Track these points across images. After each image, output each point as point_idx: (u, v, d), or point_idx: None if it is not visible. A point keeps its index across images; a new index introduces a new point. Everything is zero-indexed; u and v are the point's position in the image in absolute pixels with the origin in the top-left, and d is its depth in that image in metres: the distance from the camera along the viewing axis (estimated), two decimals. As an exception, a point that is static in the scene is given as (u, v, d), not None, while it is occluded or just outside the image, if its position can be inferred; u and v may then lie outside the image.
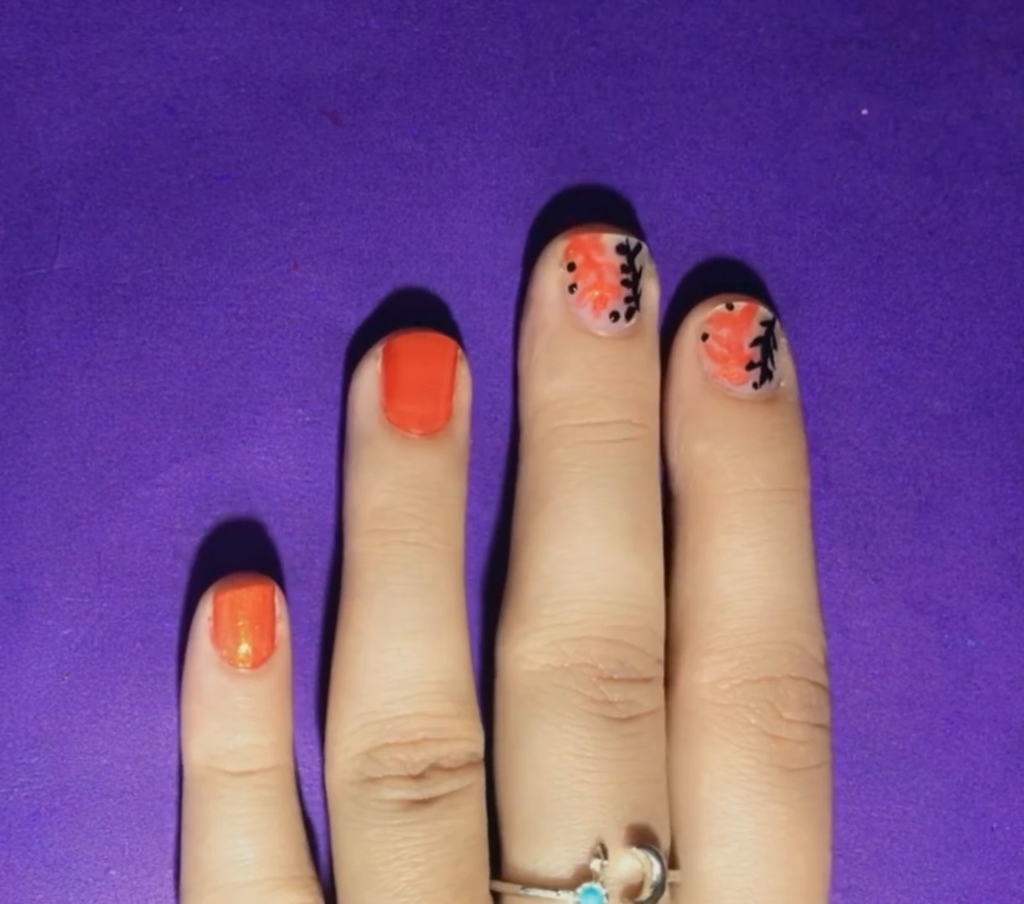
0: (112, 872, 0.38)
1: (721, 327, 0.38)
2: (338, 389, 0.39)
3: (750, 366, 0.37)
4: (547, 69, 0.40)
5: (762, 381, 0.37)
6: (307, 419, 0.39)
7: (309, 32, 0.40)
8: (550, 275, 0.38)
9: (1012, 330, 0.40)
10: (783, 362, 0.38)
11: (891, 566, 0.39)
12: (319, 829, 0.38)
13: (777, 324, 0.38)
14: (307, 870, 0.37)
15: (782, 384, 0.38)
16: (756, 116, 0.40)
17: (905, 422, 0.40)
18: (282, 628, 0.37)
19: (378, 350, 0.37)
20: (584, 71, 0.40)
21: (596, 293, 0.37)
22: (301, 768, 0.38)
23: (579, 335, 0.37)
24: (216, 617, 0.36)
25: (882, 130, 0.40)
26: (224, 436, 0.39)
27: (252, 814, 0.36)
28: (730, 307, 0.38)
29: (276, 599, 0.37)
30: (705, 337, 0.38)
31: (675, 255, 0.39)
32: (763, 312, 0.38)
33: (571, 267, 0.37)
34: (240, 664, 0.36)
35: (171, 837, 0.38)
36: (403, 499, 0.36)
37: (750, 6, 0.40)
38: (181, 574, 0.39)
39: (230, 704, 0.36)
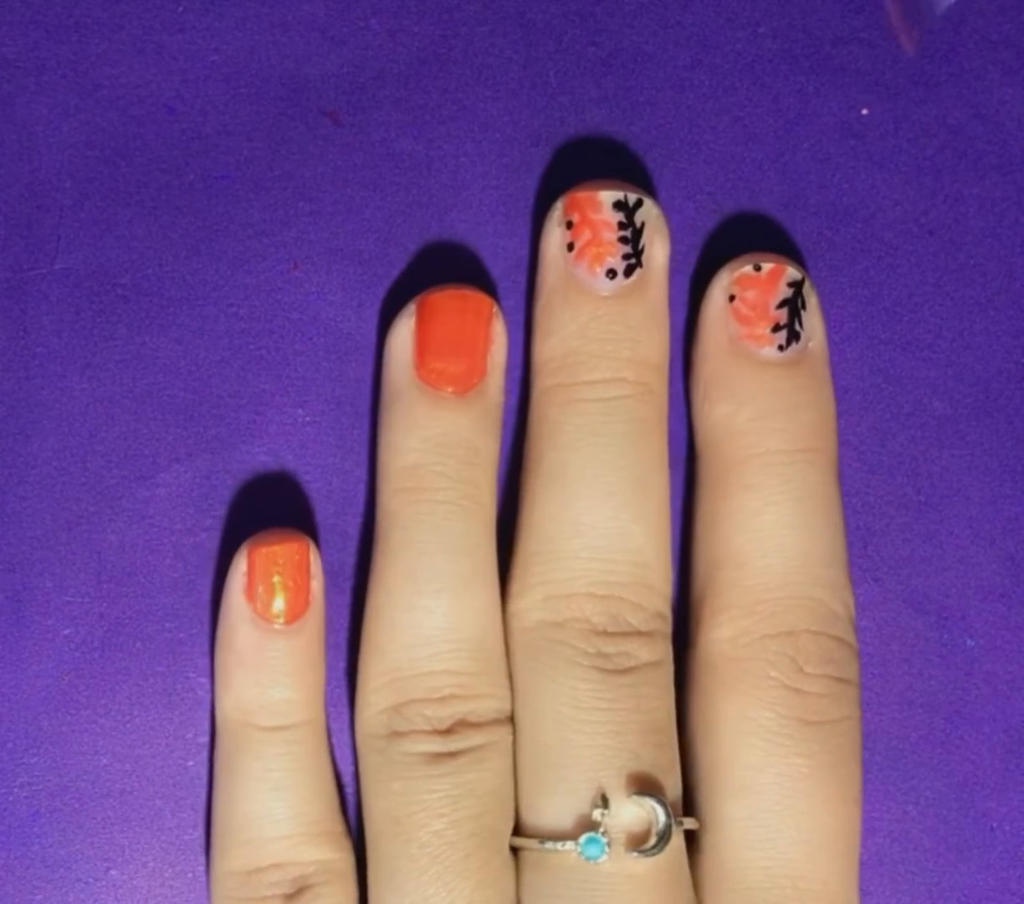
0: (112, 872, 0.38)
1: (747, 289, 0.37)
2: (338, 389, 0.39)
3: (776, 328, 0.37)
4: (547, 69, 0.40)
5: (788, 343, 0.37)
6: (307, 419, 0.39)
7: (309, 32, 0.40)
8: (550, 234, 0.38)
9: (1012, 330, 0.40)
10: (812, 322, 0.37)
11: (891, 566, 0.39)
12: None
13: (807, 284, 0.37)
14: (336, 825, 0.37)
15: (810, 345, 0.37)
16: (756, 116, 0.40)
17: (905, 422, 0.40)
18: (316, 585, 0.37)
19: (412, 306, 0.37)
20: (584, 71, 0.40)
21: (592, 251, 0.37)
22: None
23: (572, 294, 0.37)
24: (251, 572, 0.36)
25: (882, 130, 0.40)
26: (224, 436, 0.39)
27: (282, 769, 0.36)
28: (757, 268, 0.37)
29: (311, 556, 0.37)
30: (732, 299, 0.37)
31: (675, 255, 0.39)
32: (791, 273, 0.37)
33: (569, 225, 0.37)
34: (274, 620, 0.36)
35: (171, 837, 0.38)
36: (432, 458, 0.36)
37: (750, 6, 0.40)
38: (181, 574, 0.39)
39: (263, 659, 0.36)
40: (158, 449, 0.39)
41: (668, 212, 0.39)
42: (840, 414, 0.39)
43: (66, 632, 0.38)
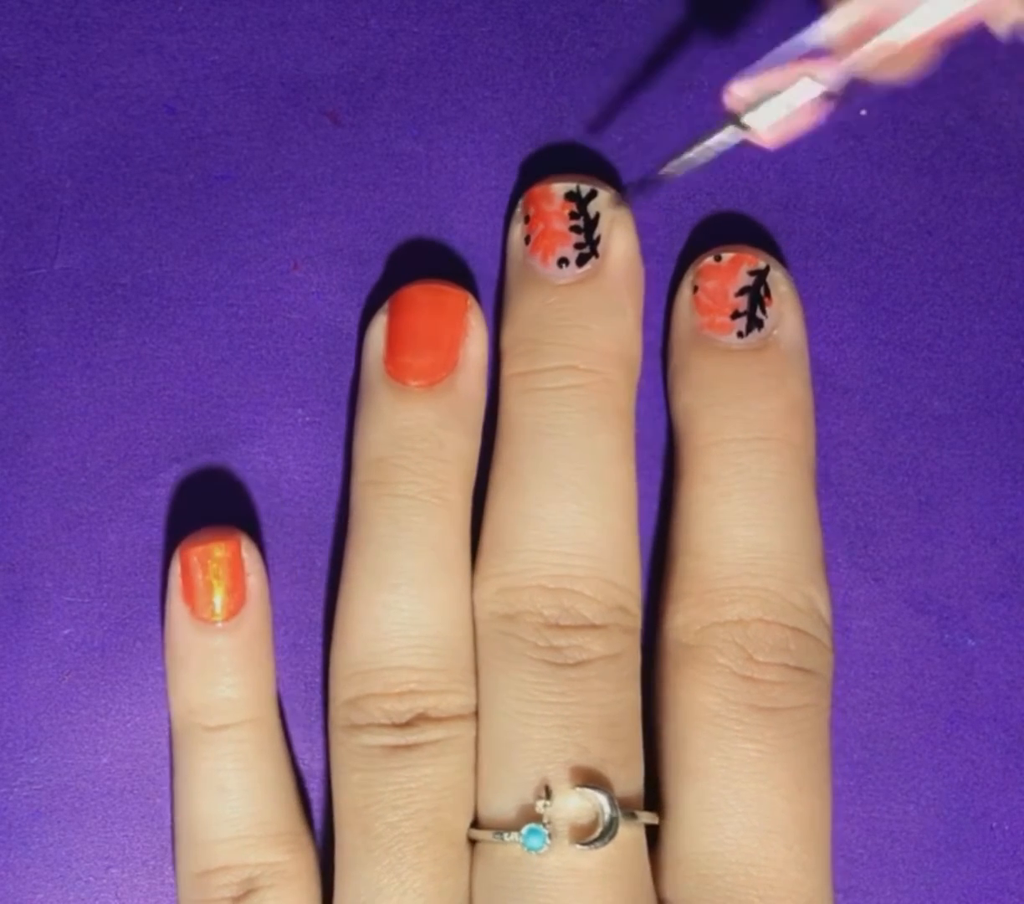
0: (112, 871, 0.38)
1: (708, 279, 0.38)
2: (338, 389, 0.39)
3: (735, 315, 0.37)
4: (547, 69, 0.40)
5: (748, 330, 0.37)
6: (307, 419, 0.39)
7: (309, 32, 0.40)
8: (512, 230, 0.38)
9: (1012, 330, 0.40)
10: (781, 311, 0.37)
11: (891, 566, 0.39)
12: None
13: (775, 273, 0.37)
14: (290, 825, 0.37)
15: (776, 333, 0.37)
16: (756, 116, 0.40)
17: (905, 422, 0.40)
18: (254, 581, 0.37)
19: (387, 303, 0.37)
20: (584, 71, 0.40)
21: (545, 241, 0.37)
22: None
23: (526, 284, 0.37)
24: (184, 573, 0.36)
25: (882, 130, 0.40)
26: (224, 436, 0.39)
27: (228, 769, 0.36)
28: (718, 258, 0.38)
29: (245, 553, 0.37)
30: (695, 290, 0.38)
31: (674, 254, 0.40)
32: (753, 262, 0.38)
33: (527, 219, 0.38)
34: (211, 618, 0.36)
35: (171, 835, 0.38)
36: (394, 451, 0.36)
37: (750, 6, 0.40)
38: (181, 574, 0.39)
39: (200, 659, 0.36)
40: (158, 449, 0.39)
41: (667, 212, 0.39)
42: (840, 414, 0.39)
43: (66, 632, 0.38)
